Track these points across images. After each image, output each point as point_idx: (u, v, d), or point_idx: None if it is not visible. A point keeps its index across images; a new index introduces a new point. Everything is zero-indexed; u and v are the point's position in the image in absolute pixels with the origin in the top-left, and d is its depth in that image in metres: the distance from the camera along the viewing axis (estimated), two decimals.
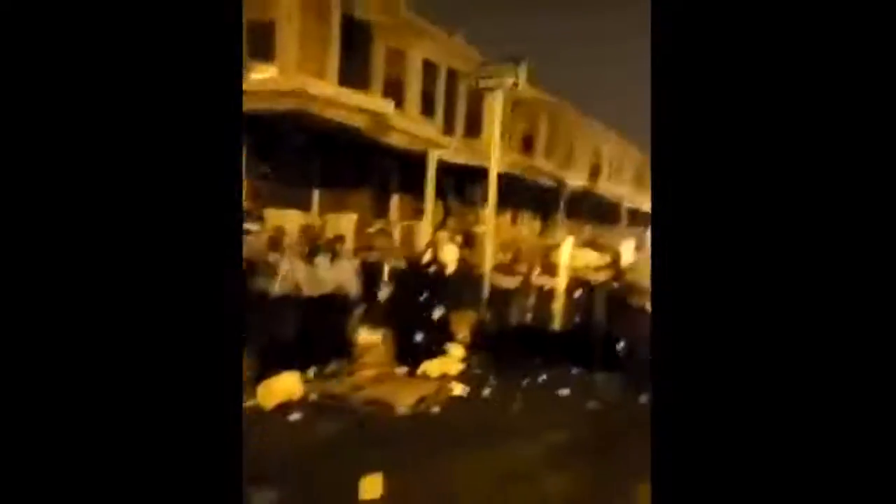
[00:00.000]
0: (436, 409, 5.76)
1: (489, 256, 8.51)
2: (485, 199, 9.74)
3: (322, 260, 6.82)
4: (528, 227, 17.49)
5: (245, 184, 10.83)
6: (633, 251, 7.83)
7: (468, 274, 8.24)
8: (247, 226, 7.95)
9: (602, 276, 7.33)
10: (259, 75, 10.11)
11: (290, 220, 9.06)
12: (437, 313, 7.41)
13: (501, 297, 7.67)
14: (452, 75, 14.71)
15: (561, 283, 7.44)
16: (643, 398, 5.88)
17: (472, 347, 7.48)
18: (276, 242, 6.83)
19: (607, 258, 7.62)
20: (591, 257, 7.73)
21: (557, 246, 7.89)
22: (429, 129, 11.97)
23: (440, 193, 12.23)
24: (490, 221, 9.20)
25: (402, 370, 6.82)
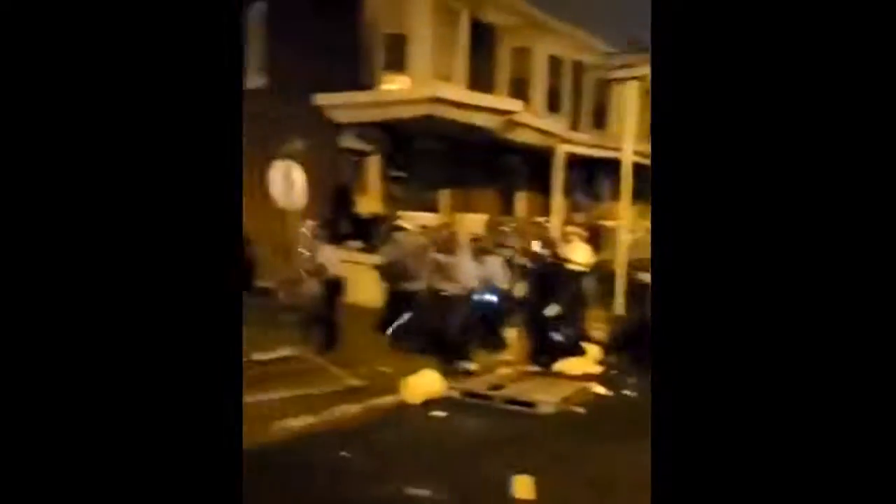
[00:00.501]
0: (580, 409, 5.74)
1: (622, 251, 8.33)
2: (615, 193, 9.53)
3: (467, 257, 7.03)
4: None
5: (380, 188, 11.40)
6: None
7: (601, 270, 8.13)
8: (401, 223, 8.32)
9: None
10: (392, 86, 10.59)
11: (422, 222, 9.41)
12: (569, 311, 7.37)
13: (638, 294, 7.53)
14: (578, 68, 14.49)
15: None
16: None
17: (609, 346, 7.39)
18: (444, 241, 7.02)
19: None
20: None
21: None
22: (556, 125, 11.86)
23: (568, 189, 12.06)
24: (624, 215, 9.00)
25: (537, 369, 6.87)
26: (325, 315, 7.14)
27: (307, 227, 7.77)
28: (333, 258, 7.45)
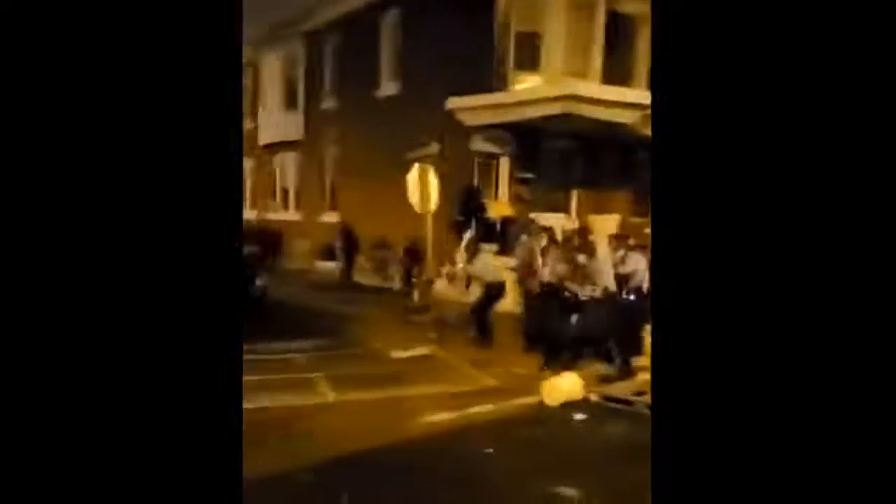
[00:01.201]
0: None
1: None
2: None
3: (605, 258, 6.83)
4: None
5: (511, 190, 11.35)
6: None
7: None
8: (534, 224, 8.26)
9: None
10: (524, 85, 10.52)
11: (554, 223, 9.24)
12: None
13: None
14: None
15: None
16: None
17: None
18: (582, 242, 6.94)
19: None
20: None
21: None
22: None
23: None
24: None
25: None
26: (480, 317, 7.34)
27: (466, 234, 7.99)
28: (491, 263, 7.64)
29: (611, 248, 6.99)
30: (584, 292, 6.61)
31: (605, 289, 6.60)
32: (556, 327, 6.70)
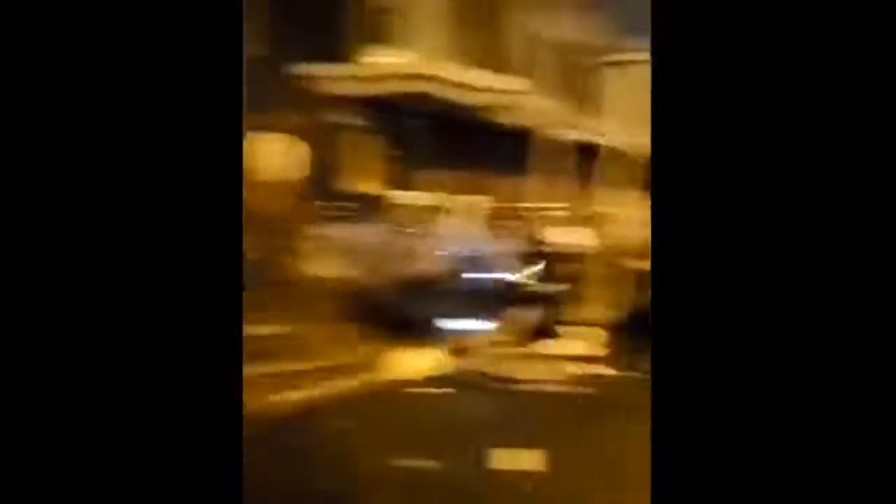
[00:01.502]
0: (583, 389, 5.79)
1: (619, 237, 8.33)
2: (615, 179, 9.49)
3: (461, 238, 6.98)
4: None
5: (371, 166, 11.21)
6: None
7: (604, 254, 8.20)
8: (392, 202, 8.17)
9: None
10: (379, 59, 10.34)
11: (414, 201, 9.26)
12: (570, 293, 7.43)
13: (640, 278, 7.56)
14: (583, 51, 14.06)
15: None
16: None
17: (613, 327, 7.43)
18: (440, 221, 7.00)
19: None
20: None
21: None
22: (556, 107, 11.53)
23: (569, 173, 11.74)
24: (621, 202, 8.94)
25: (540, 348, 6.84)
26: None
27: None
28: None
29: (468, 228, 7.16)
30: (437, 270, 6.73)
31: (456, 267, 6.76)
32: (403, 304, 6.77)
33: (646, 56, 8.79)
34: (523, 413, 5.03)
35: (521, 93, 10.09)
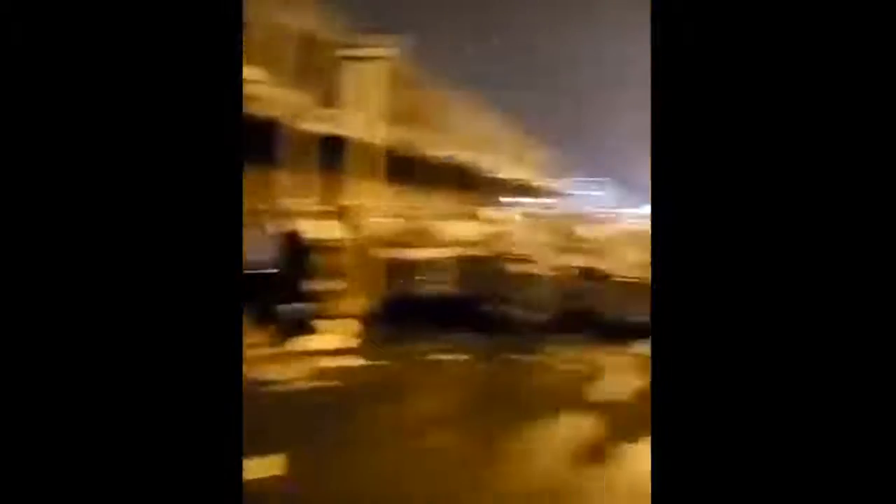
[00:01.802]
0: (334, 382, 5.79)
1: (367, 229, 7.99)
2: (361, 171, 9.60)
3: None
4: (410, 200, 16.17)
5: None
6: (515, 222, 7.21)
7: (356, 248, 7.61)
8: None
9: (483, 248, 7.48)
10: None
11: None
12: (321, 287, 7.29)
13: (395, 271, 7.28)
14: (323, 45, 11.67)
15: (451, 254, 7.48)
16: (528, 357, 6.74)
17: (366, 320, 6.93)
18: None
19: (492, 228, 7.71)
20: (475, 229, 7.72)
21: (445, 218, 7.57)
22: (296, 99, 10.00)
23: (312, 166, 10.02)
24: (368, 194, 8.40)
25: (296, 346, 6.51)
26: None
27: None
28: None
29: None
30: None
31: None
32: None
33: (385, 52, 12.16)
34: (272, 416, 4.68)
35: (257, 82, 10.27)
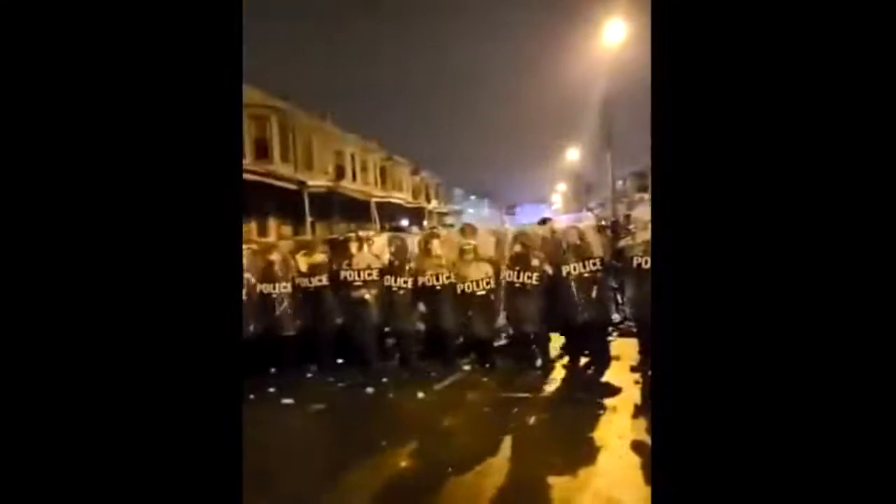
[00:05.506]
0: None
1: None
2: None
3: None
4: (275, 232, 17.15)
5: None
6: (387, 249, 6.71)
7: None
8: None
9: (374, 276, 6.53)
10: None
11: None
12: None
13: (264, 304, 6.59)
14: None
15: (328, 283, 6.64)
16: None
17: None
18: None
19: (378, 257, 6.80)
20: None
21: (314, 250, 6.97)
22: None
23: None
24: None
25: None
26: None
27: None
28: None
29: None
30: None
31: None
32: None
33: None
34: None
35: None
